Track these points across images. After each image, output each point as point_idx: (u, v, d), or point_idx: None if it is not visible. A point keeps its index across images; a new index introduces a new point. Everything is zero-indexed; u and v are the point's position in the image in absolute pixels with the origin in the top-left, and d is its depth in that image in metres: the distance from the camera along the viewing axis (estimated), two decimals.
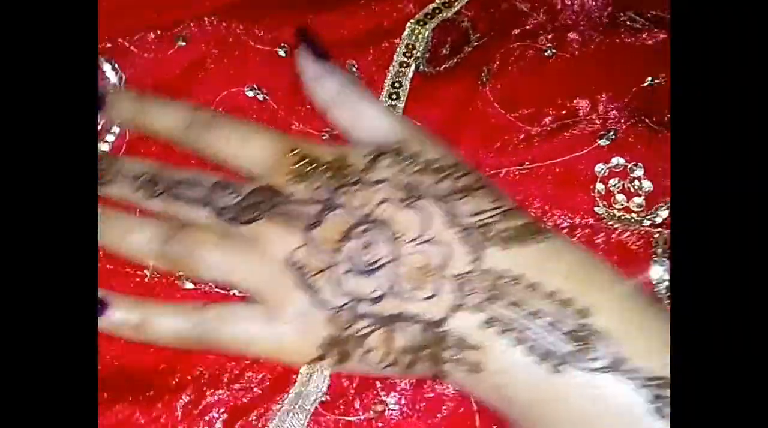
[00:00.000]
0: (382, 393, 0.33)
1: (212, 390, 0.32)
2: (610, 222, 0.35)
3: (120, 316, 0.32)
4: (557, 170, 0.36)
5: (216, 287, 0.34)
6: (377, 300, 0.30)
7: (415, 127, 0.35)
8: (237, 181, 0.34)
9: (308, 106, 0.38)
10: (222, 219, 0.33)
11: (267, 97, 0.38)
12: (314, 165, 0.33)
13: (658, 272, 0.33)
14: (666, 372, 0.27)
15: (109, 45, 0.39)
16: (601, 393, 0.28)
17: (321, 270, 0.31)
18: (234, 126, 0.35)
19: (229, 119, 0.36)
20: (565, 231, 0.35)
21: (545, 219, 0.35)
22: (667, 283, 0.33)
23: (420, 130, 0.35)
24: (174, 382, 0.33)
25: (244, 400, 0.33)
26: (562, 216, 0.35)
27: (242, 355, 0.33)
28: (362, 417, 0.32)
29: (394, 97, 0.39)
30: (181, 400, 0.32)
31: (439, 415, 0.32)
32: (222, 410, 0.32)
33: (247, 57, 0.39)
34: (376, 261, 0.31)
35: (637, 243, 0.34)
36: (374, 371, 0.31)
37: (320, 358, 0.31)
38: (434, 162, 0.32)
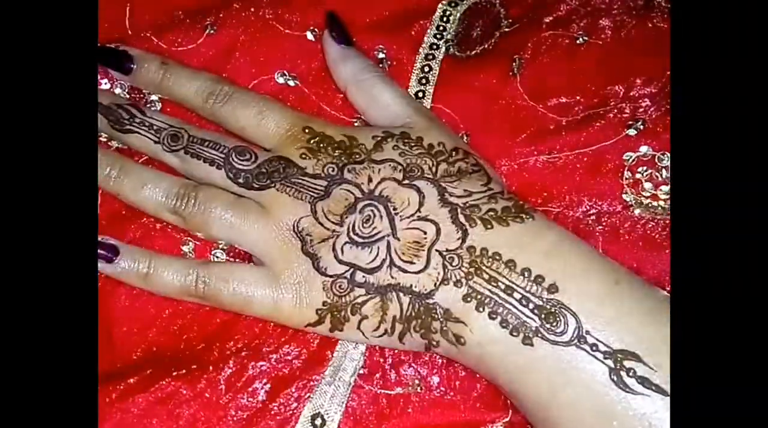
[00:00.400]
0: (421, 369, 0.35)
1: (254, 363, 0.35)
2: (637, 210, 0.36)
3: (128, 265, 0.35)
4: (585, 159, 0.37)
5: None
6: (373, 270, 0.33)
7: (424, 113, 0.37)
8: (254, 149, 0.36)
9: (340, 93, 0.39)
10: (236, 182, 0.35)
11: (298, 83, 0.40)
12: (325, 142, 0.35)
13: None
14: (623, 346, 0.30)
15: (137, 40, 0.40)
16: (568, 365, 0.30)
17: (324, 240, 0.33)
18: (252, 100, 0.37)
19: (248, 94, 0.38)
20: (593, 218, 0.36)
21: (572, 207, 0.37)
22: None
23: (428, 116, 0.37)
24: (215, 356, 0.35)
25: (285, 371, 0.35)
26: (590, 204, 0.37)
27: (241, 312, 0.35)
28: (401, 391, 0.34)
29: (423, 81, 0.40)
30: (224, 373, 0.34)
31: (472, 394, 0.34)
32: (265, 381, 0.34)
33: (276, 43, 0.40)
34: (374, 234, 0.33)
35: (662, 234, 0.35)
36: (369, 339, 0.34)
37: (317, 322, 0.33)
38: (435, 146, 0.35)
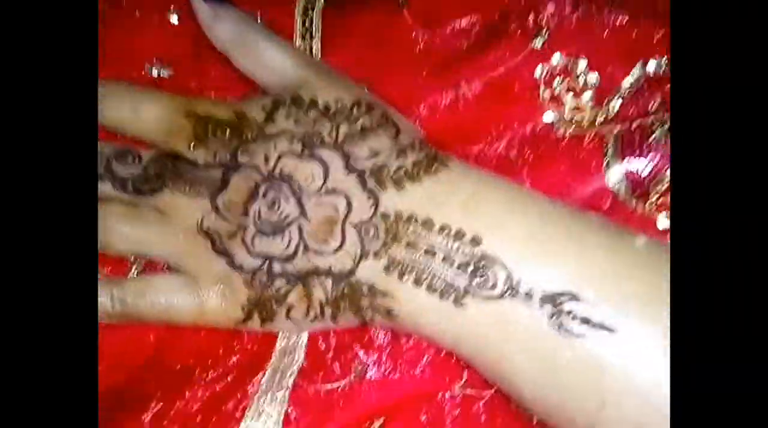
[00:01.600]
0: (361, 353, 0.34)
1: (186, 392, 0.33)
2: (561, 129, 0.34)
3: None
4: (496, 84, 0.35)
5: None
6: (289, 258, 0.31)
7: (316, 67, 0.35)
8: (136, 149, 0.34)
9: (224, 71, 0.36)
10: (126, 191, 0.33)
11: (172, 72, 0.37)
12: (212, 125, 0.33)
13: (616, 175, 0.33)
14: (559, 287, 0.28)
15: None
16: (505, 319, 0.29)
17: (232, 235, 0.32)
18: (124, 93, 0.35)
19: (119, 86, 0.35)
20: (515, 149, 0.34)
21: (493, 141, 0.35)
22: (626, 185, 0.33)
23: (322, 70, 0.35)
24: (141, 393, 0.34)
25: (217, 388, 0.33)
26: (511, 134, 0.35)
27: (167, 324, 0.34)
28: (343, 383, 0.33)
29: (307, 36, 0.37)
30: (146, 415, 0.33)
31: (421, 365, 0.33)
32: (196, 407, 0.33)
33: (140, 33, 0.38)
34: (283, 219, 0.31)
35: (591, 151, 0.33)
36: (303, 327, 0.33)
37: (246, 319, 0.32)
38: (331, 106, 0.33)
